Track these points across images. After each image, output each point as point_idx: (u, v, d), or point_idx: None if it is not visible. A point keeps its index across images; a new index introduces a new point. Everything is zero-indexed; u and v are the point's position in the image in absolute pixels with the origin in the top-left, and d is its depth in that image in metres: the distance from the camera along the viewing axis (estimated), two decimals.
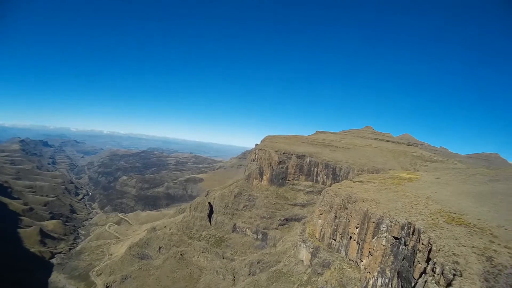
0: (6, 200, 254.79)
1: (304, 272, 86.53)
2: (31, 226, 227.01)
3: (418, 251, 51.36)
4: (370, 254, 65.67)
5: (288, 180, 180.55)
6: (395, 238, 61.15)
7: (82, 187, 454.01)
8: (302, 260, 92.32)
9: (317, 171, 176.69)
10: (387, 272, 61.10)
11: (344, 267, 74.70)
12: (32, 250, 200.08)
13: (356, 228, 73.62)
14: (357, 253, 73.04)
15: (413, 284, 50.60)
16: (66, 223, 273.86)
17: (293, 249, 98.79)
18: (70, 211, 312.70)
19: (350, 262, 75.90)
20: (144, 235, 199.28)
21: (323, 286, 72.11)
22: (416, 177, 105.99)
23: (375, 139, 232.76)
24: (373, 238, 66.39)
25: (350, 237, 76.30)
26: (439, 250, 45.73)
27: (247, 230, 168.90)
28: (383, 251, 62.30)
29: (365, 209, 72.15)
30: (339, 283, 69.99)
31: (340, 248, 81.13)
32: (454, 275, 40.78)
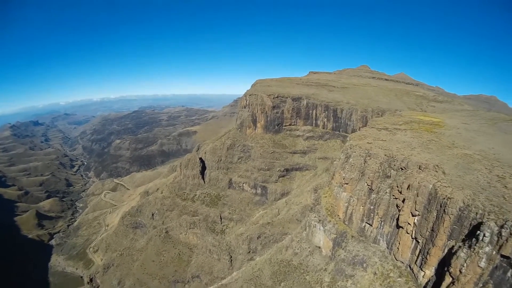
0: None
1: (324, 269, 61.93)
2: (27, 211, 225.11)
3: None
4: (449, 273, 39.46)
5: (285, 126, 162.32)
6: (504, 257, 35.32)
7: (76, 158, 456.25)
8: (319, 247, 67.51)
9: (316, 114, 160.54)
10: None
11: (391, 274, 49.89)
12: (30, 236, 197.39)
13: (414, 216, 46.99)
14: (412, 254, 47.74)
15: None
16: (63, 199, 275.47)
17: (305, 229, 73.00)
18: (66, 185, 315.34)
19: (398, 264, 51.00)
20: (136, 202, 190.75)
21: None
22: (438, 121, 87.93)
23: (373, 78, 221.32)
24: (447, 240, 40.37)
25: (400, 227, 50.37)
26: None
27: (244, 185, 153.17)
28: (479, 275, 36.44)
29: (431, 186, 44.87)
30: None
31: (378, 238, 56.00)
32: None
